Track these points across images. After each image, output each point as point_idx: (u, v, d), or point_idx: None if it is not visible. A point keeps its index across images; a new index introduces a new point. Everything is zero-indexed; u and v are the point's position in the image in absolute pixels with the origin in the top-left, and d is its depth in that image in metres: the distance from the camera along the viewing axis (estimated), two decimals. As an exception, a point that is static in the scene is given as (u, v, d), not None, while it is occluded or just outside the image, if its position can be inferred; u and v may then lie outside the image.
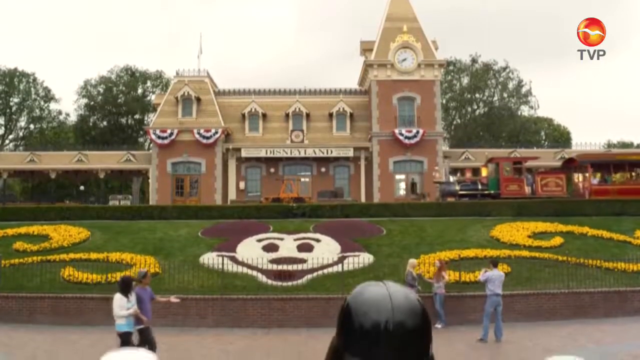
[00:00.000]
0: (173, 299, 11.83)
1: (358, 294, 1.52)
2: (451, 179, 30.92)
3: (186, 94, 37.82)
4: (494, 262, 14.41)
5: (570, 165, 31.32)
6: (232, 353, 12.91)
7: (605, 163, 30.21)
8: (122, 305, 10.26)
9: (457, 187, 28.53)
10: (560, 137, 58.03)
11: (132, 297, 10.41)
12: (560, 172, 31.11)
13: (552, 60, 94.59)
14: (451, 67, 55.83)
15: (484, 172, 30.96)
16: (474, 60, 57.25)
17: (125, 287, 10.49)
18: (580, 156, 31.89)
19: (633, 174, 29.98)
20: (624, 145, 60.47)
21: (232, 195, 37.11)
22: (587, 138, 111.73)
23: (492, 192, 28.78)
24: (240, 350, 13.24)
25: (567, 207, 24.40)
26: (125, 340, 10.36)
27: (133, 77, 56.25)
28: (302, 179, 37.08)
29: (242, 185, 37.68)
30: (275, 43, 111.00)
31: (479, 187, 29.05)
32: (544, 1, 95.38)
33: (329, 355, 1.50)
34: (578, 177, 31.08)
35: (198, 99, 38.04)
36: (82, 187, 47.44)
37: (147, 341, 10.57)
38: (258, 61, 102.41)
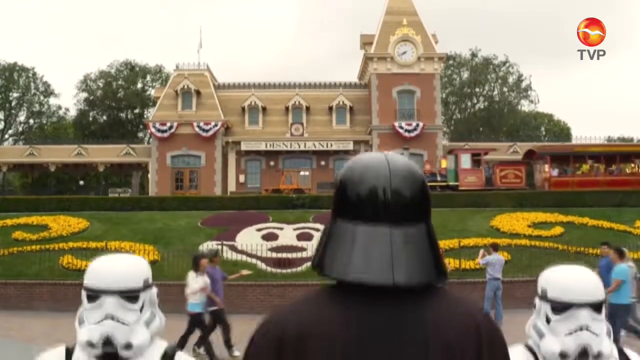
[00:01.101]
0: (244, 272, 11.56)
1: (354, 160, 1.46)
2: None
3: (186, 87, 37.74)
4: (494, 246, 14.37)
5: (531, 157, 31.33)
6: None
7: (564, 155, 30.24)
8: (197, 282, 9.77)
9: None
10: (561, 133, 57.99)
11: (204, 276, 9.91)
12: (519, 164, 31.19)
13: (552, 59, 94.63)
14: (451, 62, 55.74)
15: (444, 164, 31.15)
16: (473, 55, 57.20)
17: (194, 265, 9.99)
18: (539, 148, 32.01)
19: (595, 165, 29.97)
20: (624, 140, 60.38)
21: (232, 188, 37.06)
22: (587, 135, 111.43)
23: (450, 183, 28.97)
24: (238, 334, 13.19)
25: (567, 198, 24.34)
26: (196, 321, 9.89)
27: (132, 71, 56.13)
28: (302, 173, 37.01)
29: (241, 178, 37.62)
30: (275, 43, 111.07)
31: (438, 178, 29.27)
32: (543, 1, 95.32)
33: (321, 239, 1.42)
34: (538, 169, 31.14)
35: (198, 92, 37.97)
36: (81, 182, 47.38)
37: (220, 323, 10.15)
38: (258, 61, 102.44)
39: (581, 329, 2.07)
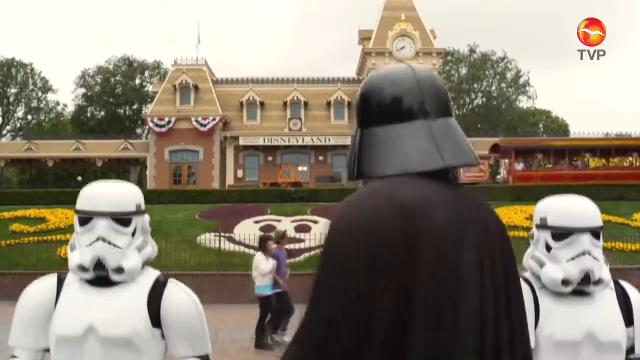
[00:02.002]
0: None
1: (372, 74, 1.39)
2: None
3: (184, 82, 37.68)
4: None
5: (496, 151, 31.38)
6: (229, 324, 12.89)
7: (529, 149, 30.27)
8: (268, 263, 9.57)
9: None
10: (559, 129, 58.02)
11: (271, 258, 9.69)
12: (483, 157, 31.23)
13: (552, 59, 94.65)
14: (449, 58, 55.75)
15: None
16: (472, 51, 57.23)
17: (261, 246, 9.78)
18: (503, 141, 32.01)
19: (562, 160, 30.15)
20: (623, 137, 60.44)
21: (230, 183, 36.98)
22: (585, 131, 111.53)
23: None
24: (234, 321, 13.23)
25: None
26: (266, 306, 9.67)
27: (131, 67, 56.01)
28: (300, 168, 36.96)
29: (240, 173, 37.58)
30: (273, 43, 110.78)
31: None
32: (543, 1, 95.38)
33: (351, 151, 1.30)
34: (502, 163, 31.19)
35: (196, 87, 37.93)
36: (79, 178, 47.33)
37: (285, 306, 9.81)
38: (256, 61, 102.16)
39: (583, 254, 2.07)
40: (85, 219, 1.99)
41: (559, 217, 2.12)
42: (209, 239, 18.84)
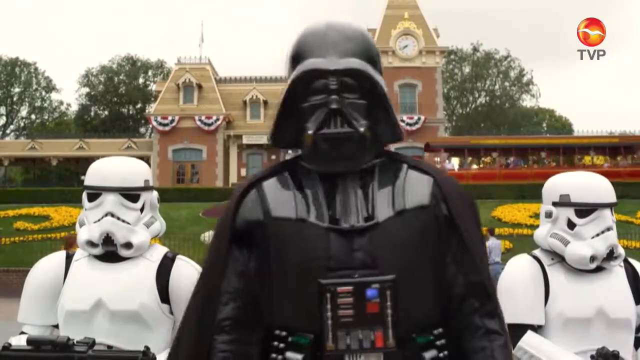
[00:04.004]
0: None
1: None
2: None
3: (187, 80, 37.70)
4: (491, 231, 14.40)
5: (429, 150, 31.54)
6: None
7: (459, 148, 30.38)
8: None
9: None
10: (562, 128, 57.86)
11: None
12: (416, 157, 31.21)
13: (552, 59, 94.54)
14: (452, 56, 55.65)
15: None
16: (475, 49, 57.09)
17: None
18: (433, 141, 32.08)
19: (496, 159, 30.33)
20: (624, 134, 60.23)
21: (233, 182, 37.03)
22: (588, 130, 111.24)
23: None
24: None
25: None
26: None
27: (134, 66, 56.01)
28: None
29: (243, 172, 37.55)
30: (275, 42, 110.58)
31: None
32: (543, 1, 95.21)
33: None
34: (434, 162, 31.27)
35: (199, 86, 37.95)
36: (83, 177, 47.38)
37: None
38: (259, 61, 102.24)
39: (608, 230, 2.08)
40: (94, 194, 1.99)
41: (583, 194, 2.11)
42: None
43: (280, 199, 1.42)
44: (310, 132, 1.37)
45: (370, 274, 1.30)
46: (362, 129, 1.37)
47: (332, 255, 1.34)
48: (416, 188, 1.43)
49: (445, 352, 1.35)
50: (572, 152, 31.50)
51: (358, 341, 1.25)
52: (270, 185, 1.46)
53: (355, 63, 1.38)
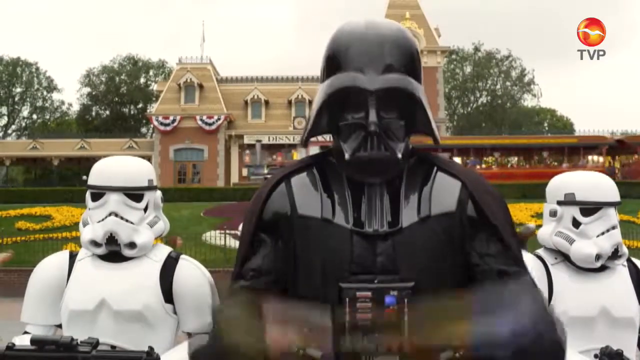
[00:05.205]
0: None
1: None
2: (264, 162, 31.18)
3: (189, 80, 37.73)
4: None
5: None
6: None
7: (426, 148, 30.66)
8: None
9: (266, 172, 27.89)
10: (564, 128, 57.82)
11: None
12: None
13: (552, 58, 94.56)
14: (453, 56, 55.65)
15: (295, 157, 31.19)
16: (476, 49, 57.08)
17: None
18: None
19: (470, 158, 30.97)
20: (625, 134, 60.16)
21: (234, 181, 37.05)
22: (589, 130, 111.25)
23: None
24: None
25: None
26: None
27: (135, 66, 56.00)
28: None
29: (244, 172, 37.58)
30: (276, 42, 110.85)
31: None
32: (543, 1, 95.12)
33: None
34: None
35: (200, 86, 37.97)
36: (84, 177, 47.41)
37: None
38: (260, 60, 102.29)
39: (613, 228, 2.09)
40: (98, 194, 1.99)
41: (588, 193, 2.12)
42: (214, 236, 18.88)
43: (307, 197, 1.43)
44: (347, 156, 1.37)
45: (391, 280, 1.31)
46: (399, 155, 1.37)
47: (354, 258, 1.35)
48: (443, 194, 1.42)
49: (461, 352, 1.35)
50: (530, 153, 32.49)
51: (375, 344, 1.26)
52: (299, 182, 1.47)
53: (396, 81, 1.35)
